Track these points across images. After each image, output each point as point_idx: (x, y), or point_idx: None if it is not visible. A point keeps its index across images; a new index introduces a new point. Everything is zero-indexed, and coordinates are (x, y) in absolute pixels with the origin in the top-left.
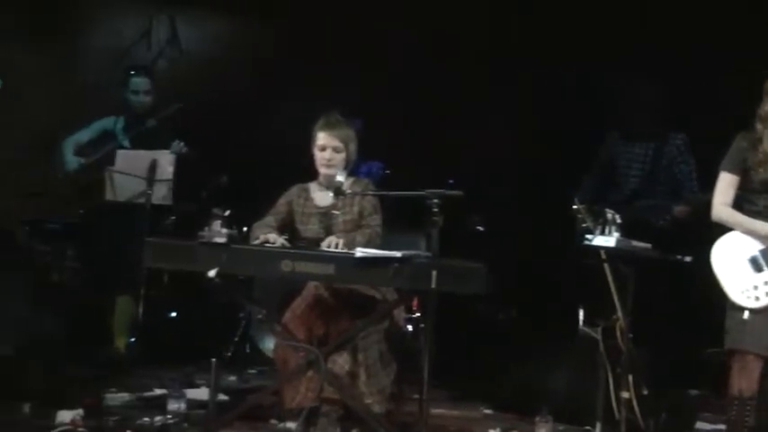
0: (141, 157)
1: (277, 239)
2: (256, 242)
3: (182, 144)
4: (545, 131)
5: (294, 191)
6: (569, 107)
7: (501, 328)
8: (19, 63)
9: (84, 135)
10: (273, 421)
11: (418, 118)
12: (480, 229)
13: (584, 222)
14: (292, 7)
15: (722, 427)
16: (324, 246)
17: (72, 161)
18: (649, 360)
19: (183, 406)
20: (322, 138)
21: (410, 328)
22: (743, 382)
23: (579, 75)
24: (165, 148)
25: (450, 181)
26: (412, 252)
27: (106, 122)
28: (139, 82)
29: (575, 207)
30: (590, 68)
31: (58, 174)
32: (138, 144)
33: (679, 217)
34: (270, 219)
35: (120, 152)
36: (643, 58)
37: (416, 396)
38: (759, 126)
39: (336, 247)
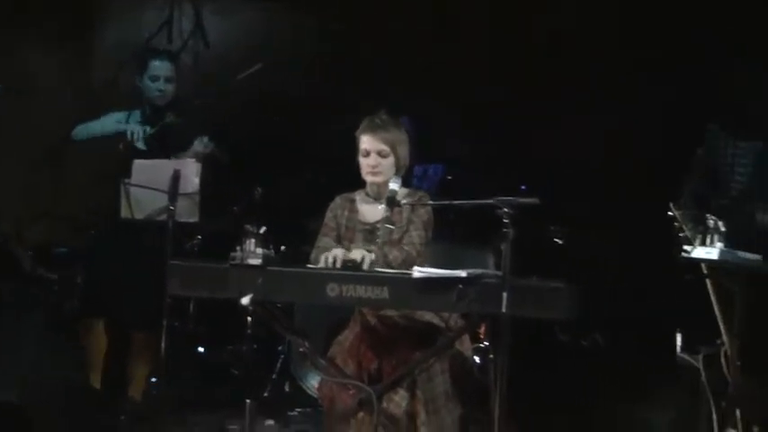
0: (161, 167)
1: (346, 254)
2: (327, 263)
3: (206, 140)
4: (636, 127)
5: (338, 202)
6: (667, 98)
7: (585, 357)
8: (24, 65)
9: (95, 127)
10: None
11: (483, 117)
12: (559, 241)
13: (683, 231)
14: None
15: None
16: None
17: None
18: (761, 392)
19: None
20: (365, 141)
21: (478, 359)
22: None
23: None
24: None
25: (523, 187)
26: (479, 271)
27: (117, 118)
28: (160, 66)
29: (670, 213)
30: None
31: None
32: (156, 143)
33: None
34: (326, 240)
35: (136, 162)
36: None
37: None
38: None
39: (369, 264)
